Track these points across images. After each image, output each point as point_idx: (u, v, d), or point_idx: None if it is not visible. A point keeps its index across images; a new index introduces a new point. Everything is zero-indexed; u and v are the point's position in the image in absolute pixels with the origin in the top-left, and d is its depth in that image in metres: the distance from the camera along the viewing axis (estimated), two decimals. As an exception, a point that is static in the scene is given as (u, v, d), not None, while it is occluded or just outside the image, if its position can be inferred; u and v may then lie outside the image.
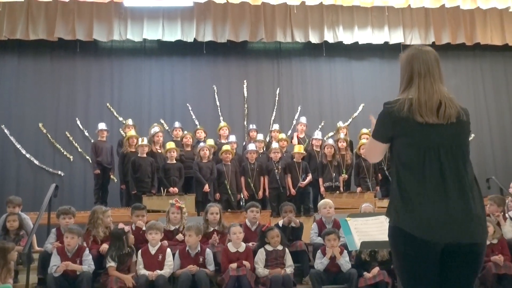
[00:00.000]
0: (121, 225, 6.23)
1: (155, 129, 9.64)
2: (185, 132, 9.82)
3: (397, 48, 11.09)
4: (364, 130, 9.98)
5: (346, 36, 11.77)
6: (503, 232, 6.79)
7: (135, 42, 11.47)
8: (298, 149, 9.31)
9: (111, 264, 5.95)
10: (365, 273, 6.14)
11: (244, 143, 10.38)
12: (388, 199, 2.56)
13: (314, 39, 11.68)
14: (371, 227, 3.78)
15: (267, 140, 10.52)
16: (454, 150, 2.41)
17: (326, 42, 11.72)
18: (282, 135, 10.00)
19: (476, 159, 11.02)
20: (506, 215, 7.29)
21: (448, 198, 2.32)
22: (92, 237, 6.44)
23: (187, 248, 6.21)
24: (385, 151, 2.63)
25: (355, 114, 11.96)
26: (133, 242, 6.24)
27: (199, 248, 6.22)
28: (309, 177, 9.12)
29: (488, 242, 6.21)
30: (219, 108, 11.66)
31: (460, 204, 2.32)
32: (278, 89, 11.98)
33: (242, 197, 8.96)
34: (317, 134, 9.94)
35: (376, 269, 6.10)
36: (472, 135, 9.92)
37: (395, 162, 2.50)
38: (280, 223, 6.94)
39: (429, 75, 2.50)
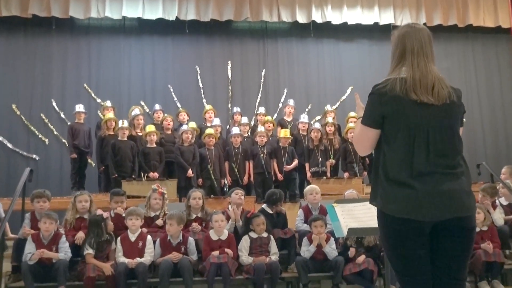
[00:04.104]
0: (99, 211, 6.19)
1: (136, 111, 9.58)
2: (166, 115, 9.76)
3: (387, 29, 11.08)
4: (352, 114, 10.01)
5: (335, 16, 11.74)
6: (493, 219, 6.88)
7: (114, 20, 11.32)
8: (284, 133, 9.31)
9: (89, 251, 5.92)
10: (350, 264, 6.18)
11: (228, 127, 10.36)
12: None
13: (301, 18, 11.64)
14: (358, 213, 3.80)
15: (252, 124, 10.51)
16: (444, 131, 2.44)
17: (314, 22, 11.68)
18: (268, 118, 9.99)
19: (467, 145, 11.09)
20: (497, 201, 7.37)
21: (434, 178, 2.37)
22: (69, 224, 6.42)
23: (168, 237, 6.19)
24: (377, 140, 2.55)
25: (343, 97, 11.97)
26: (112, 229, 6.22)
27: (181, 238, 6.20)
28: (295, 162, 9.13)
29: (478, 229, 6.32)
30: (202, 90, 11.60)
31: (446, 182, 2.37)
32: (263, 70, 11.94)
33: (226, 182, 8.96)
34: (304, 118, 9.93)
35: (362, 257, 6.14)
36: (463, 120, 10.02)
37: (381, 144, 2.51)
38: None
39: (422, 53, 2.51)
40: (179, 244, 6.19)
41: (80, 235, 6.14)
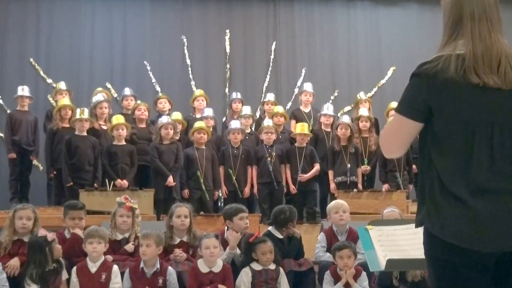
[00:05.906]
0: (42, 232, 6.16)
1: (99, 97, 9.58)
2: (139, 102, 9.77)
3: (443, -11, 11.08)
4: (394, 104, 9.99)
5: (372, -29, 11.79)
6: None
7: (71, -27, 11.39)
8: (301, 128, 9.29)
9: (31, 287, 5.91)
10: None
11: (224, 119, 10.36)
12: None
13: (326, -27, 11.69)
14: (401, 240, 3.78)
15: (257, 116, 10.49)
16: None
17: (343, -22, 11.74)
18: (278, 109, 9.99)
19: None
20: None
21: (501, 194, 2.33)
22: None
23: (141, 266, 6.18)
24: (413, 138, 2.55)
25: (383, 82, 11.98)
26: (60, 255, 6.18)
27: (158, 266, 6.19)
28: (316, 167, 9.12)
29: None
30: (190, 69, 11.63)
31: None
32: (273, 43, 11.97)
33: (220, 195, 8.96)
34: (328, 109, 9.93)
35: (406, 299, 6.14)
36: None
37: (428, 147, 2.48)
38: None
39: (486, 20, 2.46)
40: (156, 275, 6.15)
41: (13, 263, 6.08)
